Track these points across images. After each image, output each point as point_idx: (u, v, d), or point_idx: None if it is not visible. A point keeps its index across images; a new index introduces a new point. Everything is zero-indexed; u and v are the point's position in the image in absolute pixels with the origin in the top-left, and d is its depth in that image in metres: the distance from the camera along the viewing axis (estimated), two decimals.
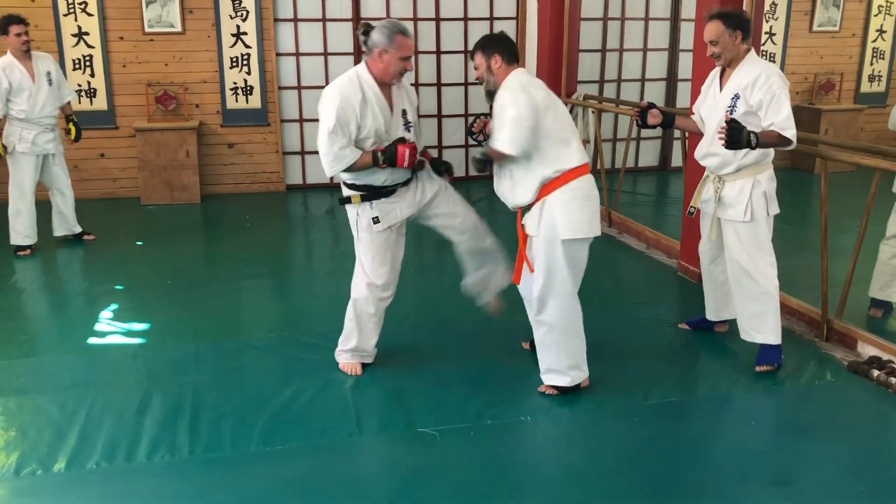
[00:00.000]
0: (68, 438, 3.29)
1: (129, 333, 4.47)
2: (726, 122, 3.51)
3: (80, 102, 7.48)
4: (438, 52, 8.30)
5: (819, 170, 8.47)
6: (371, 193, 3.63)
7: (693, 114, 4.20)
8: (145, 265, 5.80)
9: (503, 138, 3.36)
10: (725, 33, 3.73)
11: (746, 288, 3.89)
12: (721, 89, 3.85)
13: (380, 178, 3.61)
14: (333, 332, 4.03)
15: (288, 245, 6.79)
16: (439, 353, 4.17)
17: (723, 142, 3.49)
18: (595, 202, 3.48)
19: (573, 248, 3.47)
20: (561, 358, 3.60)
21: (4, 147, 5.78)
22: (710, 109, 3.93)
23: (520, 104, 3.33)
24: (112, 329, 4.52)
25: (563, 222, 3.39)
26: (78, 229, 6.23)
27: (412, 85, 8.16)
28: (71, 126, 6.07)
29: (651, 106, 4.09)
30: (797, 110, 8.97)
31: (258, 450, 3.23)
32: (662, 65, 8.89)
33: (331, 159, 3.48)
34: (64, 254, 6.05)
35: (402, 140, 3.56)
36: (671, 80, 8.91)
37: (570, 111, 7.34)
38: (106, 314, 4.73)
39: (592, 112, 7.25)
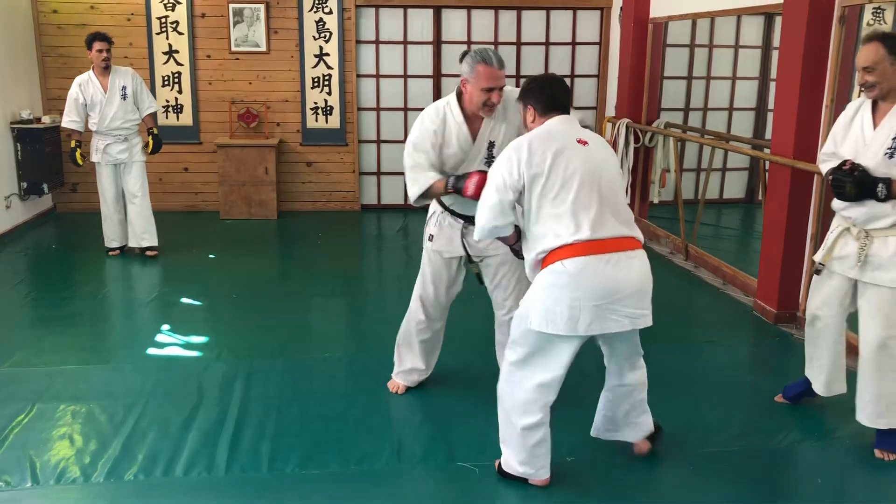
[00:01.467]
0: (111, 448, 3.32)
1: (187, 346, 4.52)
2: (851, 170, 3.14)
3: (166, 118, 7.74)
4: (518, 77, 8.21)
5: None
6: (442, 207, 3.61)
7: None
8: (215, 279, 5.90)
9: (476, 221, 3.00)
10: (886, 60, 3.11)
11: (880, 366, 3.27)
12: (875, 127, 3.21)
13: (448, 199, 3.55)
14: (389, 356, 3.97)
15: (358, 265, 6.79)
16: (493, 383, 4.04)
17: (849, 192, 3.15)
18: (593, 294, 2.75)
19: (544, 342, 2.89)
20: (504, 439, 3.13)
21: (83, 157, 6.16)
22: (855, 150, 3.26)
23: (494, 174, 2.91)
24: (171, 341, 4.59)
25: (536, 308, 2.83)
26: (145, 243, 6.31)
27: None
28: (150, 139, 6.24)
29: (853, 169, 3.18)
30: None
31: (294, 472, 3.18)
32: (752, 94, 8.55)
33: (409, 180, 3.44)
34: (138, 263, 6.21)
35: (481, 171, 3.27)
36: (760, 109, 8.55)
37: (650, 139, 7.14)
38: (168, 326, 4.81)
39: (673, 140, 7.02)
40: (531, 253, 2.90)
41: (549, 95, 2.97)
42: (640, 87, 7.29)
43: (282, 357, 4.38)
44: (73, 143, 6.13)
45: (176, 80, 7.77)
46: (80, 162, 6.17)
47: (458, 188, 3.26)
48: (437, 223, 3.62)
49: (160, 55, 7.71)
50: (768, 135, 8.27)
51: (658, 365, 4.29)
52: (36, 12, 7.50)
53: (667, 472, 3.26)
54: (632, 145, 7.26)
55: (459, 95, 3.43)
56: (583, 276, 2.74)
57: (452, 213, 3.57)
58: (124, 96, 6.06)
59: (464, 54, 3.35)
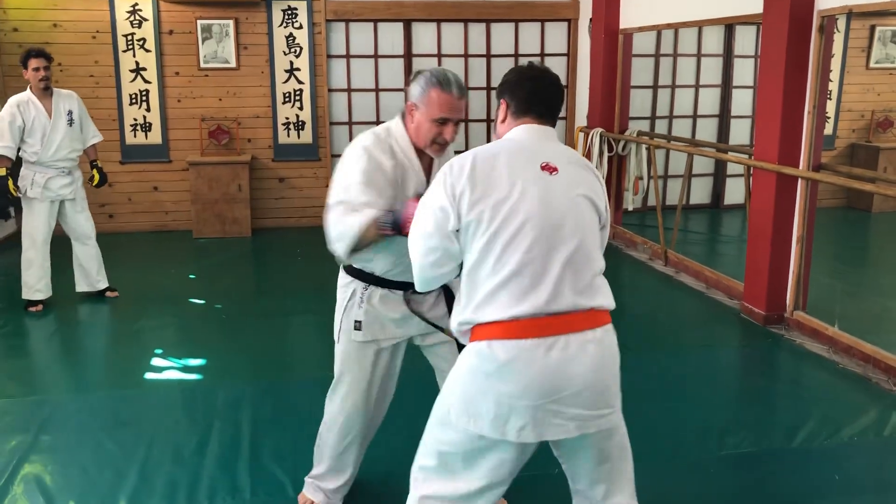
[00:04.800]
0: (128, 477, 3.23)
1: (184, 369, 4.43)
2: None
3: (135, 136, 7.59)
4: (489, 89, 8.28)
5: (878, 209, 8.28)
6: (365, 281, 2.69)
7: None
8: (198, 299, 5.79)
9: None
10: None
11: None
12: None
13: (383, 262, 2.64)
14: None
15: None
16: None
17: None
18: (527, 391, 2.00)
19: (467, 442, 2.12)
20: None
21: (17, 188, 5.24)
22: None
23: (426, 201, 2.13)
24: (167, 365, 4.49)
25: (457, 395, 2.10)
26: (101, 285, 5.65)
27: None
28: (94, 172, 5.60)
29: None
30: (853, 148, 8.82)
31: None
32: (715, 101, 8.77)
33: (337, 226, 2.49)
34: (117, 287, 6.05)
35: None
36: (724, 116, 8.78)
37: (623, 147, 7.26)
38: (160, 350, 4.71)
39: (647, 148, 7.16)
40: (455, 319, 2.13)
41: (529, 91, 2.20)
42: (611, 96, 7.42)
43: (284, 376, 4.33)
44: (3, 172, 5.14)
45: (144, 98, 7.63)
46: (13, 193, 5.21)
47: (398, 225, 2.40)
48: (364, 303, 2.70)
49: (127, 73, 7.56)
50: (732, 140, 8.56)
51: (654, 371, 4.39)
52: None
53: (668, 475, 3.30)
54: (606, 154, 7.38)
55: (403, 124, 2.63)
56: (515, 366, 1.99)
57: (387, 283, 2.68)
58: (70, 122, 5.30)
59: (416, 74, 2.58)
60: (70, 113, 5.35)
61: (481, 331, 2.04)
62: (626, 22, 7.21)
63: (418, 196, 2.36)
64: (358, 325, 2.70)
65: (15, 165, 5.32)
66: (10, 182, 5.19)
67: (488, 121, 8.37)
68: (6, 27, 7.32)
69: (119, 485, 3.18)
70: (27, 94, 5.26)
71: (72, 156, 5.41)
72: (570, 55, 8.34)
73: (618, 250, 7.13)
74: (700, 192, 8.96)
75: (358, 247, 2.47)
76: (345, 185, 2.50)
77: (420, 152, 2.61)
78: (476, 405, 2.05)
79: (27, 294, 5.41)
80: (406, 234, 2.28)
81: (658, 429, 3.66)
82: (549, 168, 2.08)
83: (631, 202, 7.51)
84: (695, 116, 8.77)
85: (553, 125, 2.23)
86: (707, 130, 8.79)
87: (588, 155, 7.48)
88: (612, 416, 2.14)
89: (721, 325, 5.21)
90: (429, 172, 2.62)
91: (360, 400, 2.81)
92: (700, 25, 7.63)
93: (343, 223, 2.45)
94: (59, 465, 3.36)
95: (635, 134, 7.38)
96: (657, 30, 7.18)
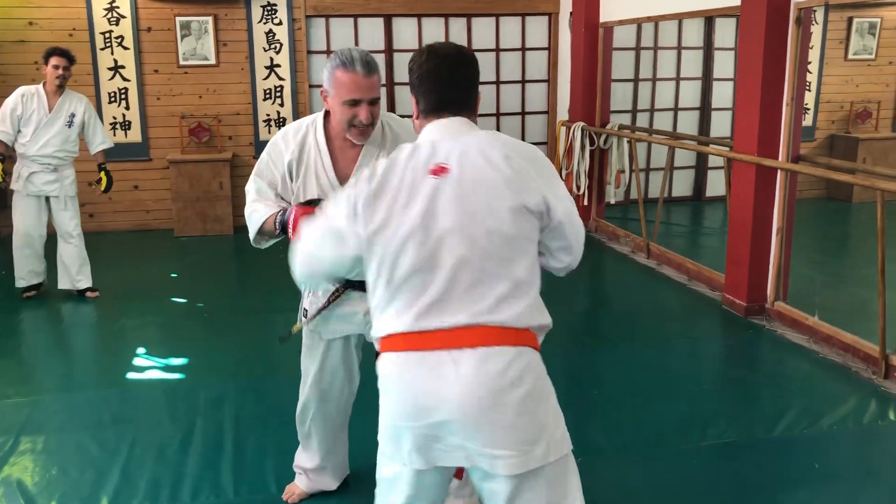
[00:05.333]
0: (110, 477, 3.21)
1: (167, 368, 4.40)
2: None
3: (114, 135, 7.52)
4: None
5: (857, 199, 8.36)
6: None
7: None
8: (180, 298, 5.75)
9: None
10: None
11: None
12: None
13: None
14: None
15: None
16: None
17: None
18: (401, 409, 1.83)
19: (383, 459, 1.95)
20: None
21: (5, 174, 5.37)
22: None
23: (339, 199, 1.93)
24: (149, 364, 4.46)
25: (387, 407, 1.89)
26: (82, 285, 5.64)
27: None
28: (102, 175, 5.72)
29: None
30: (832, 140, 8.88)
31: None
32: (696, 94, 8.81)
33: (246, 213, 2.61)
34: (98, 287, 6.00)
35: (314, 202, 2.38)
36: (705, 109, 8.82)
37: (605, 141, 7.28)
38: (142, 349, 4.68)
39: (628, 141, 7.18)
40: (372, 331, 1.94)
41: (429, 87, 1.95)
42: (592, 90, 7.43)
43: (266, 374, 4.31)
44: None
45: (123, 96, 7.56)
46: (1, 180, 5.32)
47: (284, 227, 2.43)
48: (310, 294, 2.74)
49: (105, 71, 7.49)
50: (713, 132, 8.60)
51: (635, 363, 4.42)
52: None
53: (650, 466, 3.32)
54: (588, 148, 7.40)
55: (327, 115, 2.56)
56: (390, 381, 1.85)
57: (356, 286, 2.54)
58: (70, 123, 5.43)
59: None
60: (72, 115, 5.46)
61: (385, 342, 1.87)
62: (606, 15, 7.22)
63: (308, 202, 2.38)
64: (305, 314, 2.74)
65: None
66: (1, 167, 5.30)
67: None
68: None
69: (101, 485, 3.16)
70: (36, 87, 5.42)
71: (59, 154, 5.44)
72: (551, 49, 8.34)
73: (600, 243, 7.15)
74: (682, 185, 9.00)
75: (263, 235, 2.58)
76: (256, 169, 2.62)
77: (336, 148, 2.54)
78: (381, 424, 1.90)
79: (18, 282, 5.61)
80: (290, 240, 2.21)
81: (641, 420, 3.68)
82: (439, 170, 1.82)
83: (613, 195, 7.53)
84: (676, 109, 8.80)
85: (469, 113, 1.96)
86: (688, 123, 8.83)
87: (570, 149, 7.50)
88: (519, 459, 1.76)
89: (703, 317, 5.25)
90: (345, 171, 2.52)
91: (313, 388, 2.86)
92: (680, 18, 7.66)
93: (248, 209, 2.59)
94: (40, 466, 3.33)
95: (616, 127, 7.41)
96: (637, 23, 7.20)
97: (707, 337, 4.94)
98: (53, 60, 5.35)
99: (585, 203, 7.54)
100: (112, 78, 7.52)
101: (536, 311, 1.86)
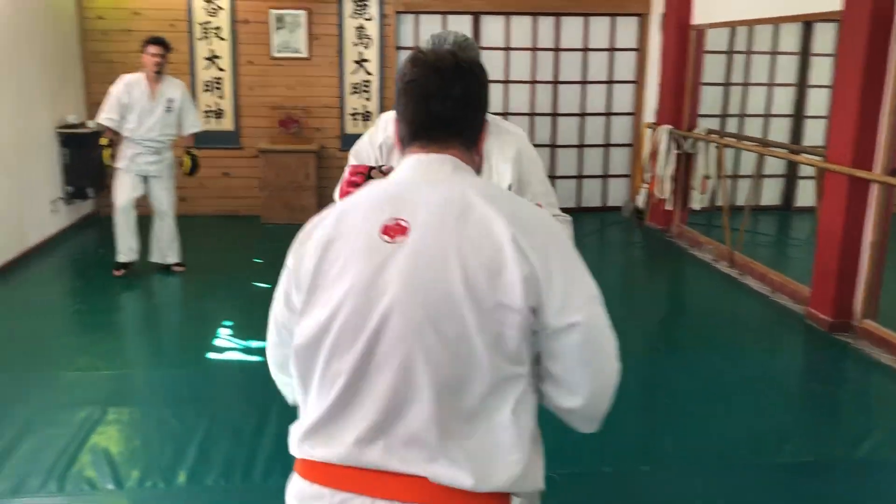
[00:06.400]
0: (188, 453, 3.35)
1: (246, 350, 4.55)
2: None
3: (208, 123, 7.78)
4: (556, 83, 8.23)
5: None
6: None
7: None
8: (262, 283, 5.92)
9: None
10: None
11: None
12: None
13: None
14: None
15: None
16: None
17: None
18: None
19: None
20: None
21: (112, 157, 5.71)
22: None
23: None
24: (229, 345, 4.62)
25: None
26: (170, 259, 6.00)
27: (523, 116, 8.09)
28: (186, 158, 5.98)
29: None
30: None
31: None
32: (789, 100, 8.53)
33: None
34: (186, 268, 6.24)
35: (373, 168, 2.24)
36: (798, 116, 8.53)
37: (692, 145, 7.13)
38: (224, 330, 4.84)
39: (715, 147, 7.02)
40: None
41: (408, 105, 1.43)
42: (681, 93, 7.30)
43: None
44: (104, 141, 5.70)
45: (217, 85, 7.83)
46: (108, 161, 5.73)
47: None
48: None
49: (202, 61, 7.77)
50: (807, 141, 8.31)
51: (711, 373, 4.33)
52: (81, 18, 7.58)
53: (718, 480, 3.25)
54: (673, 152, 7.26)
55: None
56: None
57: None
58: (169, 109, 5.74)
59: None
60: (171, 101, 5.75)
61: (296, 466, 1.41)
62: (698, 18, 7.07)
63: (372, 167, 2.19)
64: None
65: None
66: (108, 151, 5.70)
67: (554, 115, 8.32)
68: (91, 14, 7.60)
69: (180, 459, 3.29)
70: (139, 76, 5.71)
71: (161, 138, 5.78)
72: (641, 50, 8.21)
73: (682, 250, 7.01)
74: (771, 193, 8.72)
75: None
76: (354, 150, 2.48)
77: None
78: None
79: (119, 256, 5.87)
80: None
81: (712, 432, 3.61)
82: (393, 231, 1.31)
83: (697, 201, 7.37)
84: (767, 115, 8.54)
85: (461, 146, 1.43)
86: (780, 130, 8.56)
87: (654, 152, 7.38)
88: None
89: (784, 330, 5.09)
90: None
91: None
92: (776, 23, 7.43)
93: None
94: (125, 437, 3.51)
95: (704, 132, 7.24)
96: (731, 26, 7.02)
97: (787, 350, 4.80)
98: (151, 49, 5.63)
99: (669, 208, 7.41)
100: (208, 67, 7.79)
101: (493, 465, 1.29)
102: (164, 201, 5.90)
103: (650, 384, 4.25)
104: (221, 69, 7.81)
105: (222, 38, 7.74)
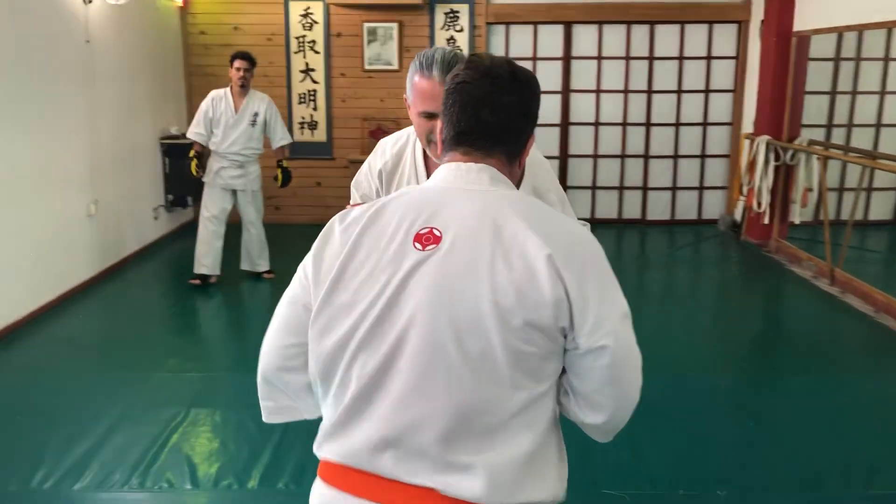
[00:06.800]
0: (263, 456, 3.42)
1: None
2: None
3: (301, 134, 8.01)
4: (650, 92, 8.05)
5: None
6: None
7: None
8: None
9: None
10: None
11: None
12: None
13: None
14: None
15: None
16: (637, 410, 3.94)
17: None
18: None
19: None
20: None
21: (199, 168, 5.84)
22: None
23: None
24: None
25: None
26: (261, 268, 6.14)
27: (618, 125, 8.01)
28: (279, 172, 6.11)
29: None
30: None
31: None
32: None
33: None
34: (275, 271, 6.41)
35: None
36: None
37: (792, 157, 6.84)
38: None
39: (818, 159, 6.70)
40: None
41: (453, 109, 1.40)
42: (781, 102, 7.01)
43: None
44: (191, 153, 5.88)
45: (311, 97, 8.04)
46: (194, 172, 5.86)
47: None
48: None
49: (297, 73, 7.99)
50: None
51: (804, 396, 4.11)
52: (185, 33, 7.94)
53: None
54: (772, 163, 6.97)
55: None
56: None
57: None
58: (253, 123, 5.83)
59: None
60: (255, 115, 5.85)
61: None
62: (801, 24, 6.78)
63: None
64: None
65: None
66: (194, 163, 5.85)
67: (647, 125, 8.14)
68: (194, 30, 7.95)
69: (254, 462, 3.38)
70: (224, 90, 5.88)
71: (245, 152, 5.87)
72: (739, 58, 7.94)
73: (779, 265, 6.71)
74: (881, 208, 8.25)
75: None
76: (355, 179, 2.39)
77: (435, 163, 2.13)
78: None
79: (196, 268, 5.92)
80: None
81: (798, 458, 3.43)
82: (425, 239, 1.29)
83: (798, 215, 7.05)
84: (878, 125, 8.08)
85: (503, 157, 1.41)
86: (893, 141, 8.08)
87: (752, 163, 7.11)
88: None
89: (887, 353, 4.79)
90: None
91: None
92: (890, 27, 7.03)
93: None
94: (205, 438, 3.62)
95: (806, 142, 6.92)
96: (837, 32, 6.69)
97: (889, 375, 4.50)
98: (236, 63, 5.76)
99: (766, 222, 7.11)
100: (303, 80, 8.01)
101: (539, 478, 1.30)
102: (250, 213, 6.02)
103: (738, 406, 4.07)
104: (315, 81, 8.01)
105: (316, 52, 7.94)
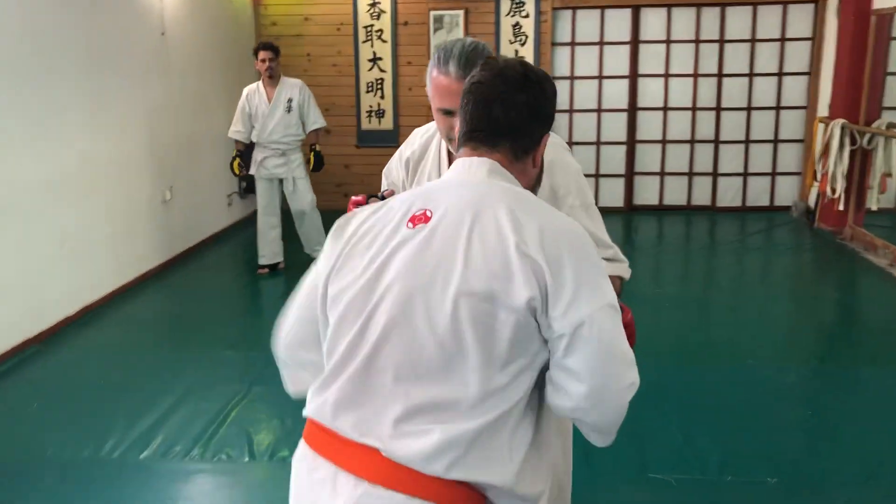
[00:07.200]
0: None
1: None
2: None
3: (369, 122, 8.14)
4: (720, 76, 7.87)
5: None
6: None
7: None
8: None
9: None
10: None
11: None
12: None
13: None
14: None
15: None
16: (688, 392, 3.91)
17: None
18: None
19: None
20: None
21: (240, 167, 5.92)
22: None
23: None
24: None
25: None
26: (317, 254, 6.25)
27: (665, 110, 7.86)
28: (311, 156, 6.08)
29: None
30: None
31: None
32: None
33: None
34: None
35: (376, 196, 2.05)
36: None
37: (870, 141, 6.59)
38: None
39: None
40: None
41: (466, 109, 1.48)
42: (858, 84, 6.75)
43: None
44: (234, 152, 5.99)
45: (379, 86, 8.16)
46: (236, 171, 5.98)
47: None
48: None
49: (365, 62, 8.12)
50: None
51: (872, 390, 3.99)
52: (258, 25, 8.16)
53: (862, 499, 3.00)
54: (847, 148, 6.73)
55: None
56: (295, 474, 1.46)
57: None
58: (289, 109, 5.85)
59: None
60: (290, 101, 5.87)
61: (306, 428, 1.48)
62: (881, 1, 6.50)
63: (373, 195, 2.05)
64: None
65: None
66: (236, 162, 5.93)
67: (718, 109, 7.96)
68: (266, 21, 8.17)
69: None
70: (256, 84, 5.93)
71: (285, 139, 5.90)
72: (816, 39, 7.67)
73: (854, 253, 6.49)
74: None
75: None
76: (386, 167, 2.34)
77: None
78: None
79: (259, 259, 6.09)
80: None
81: (855, 451, 3.33)
82: (417, 220, 1.37)
83: (875, 202, 6.78)
84: None
85: (510, 154, 1.46)
86: None
87: (826, 149, 6.88)
88: None
89: None
90: None
91: None
92: None
93: None
94: (264, 413, 3.77)
95: (885, 126, 6.65)
96: None
97: None
98: (261, 55, 5.80)
99: (841, 208, 6.88)
100: (371, 69, 8.13)
101: (488, 460, 1.29)
102: (302, 202, 6.02)
103: (801, 398, 3.98)
104: (383, 70, 8.13)
105: (384, 41, 8.05)
